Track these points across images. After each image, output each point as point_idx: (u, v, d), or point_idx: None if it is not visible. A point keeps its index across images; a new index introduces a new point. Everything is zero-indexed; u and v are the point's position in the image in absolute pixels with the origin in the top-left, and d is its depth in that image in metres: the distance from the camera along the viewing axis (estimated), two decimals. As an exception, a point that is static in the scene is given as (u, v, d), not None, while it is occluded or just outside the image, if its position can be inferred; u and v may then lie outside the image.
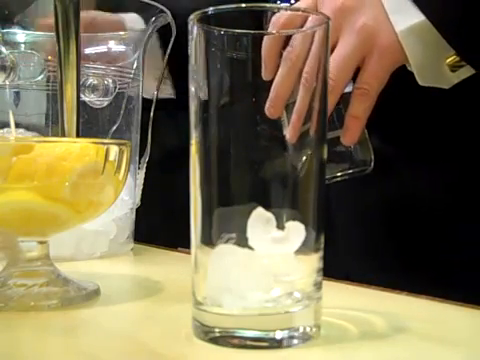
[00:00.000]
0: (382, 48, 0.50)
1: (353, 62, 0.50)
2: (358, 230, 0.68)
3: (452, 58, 0.50)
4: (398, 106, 0.61)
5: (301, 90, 0.34)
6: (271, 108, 0.34)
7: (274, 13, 0.43)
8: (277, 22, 0.41)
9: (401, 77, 0.51)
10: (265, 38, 0.34)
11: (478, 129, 0.62)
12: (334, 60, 0.48)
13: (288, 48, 0.35)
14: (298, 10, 0.37)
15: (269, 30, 0.35)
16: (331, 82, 0.47)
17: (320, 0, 0.51)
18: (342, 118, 0.51)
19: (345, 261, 0.65)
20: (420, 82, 0.52)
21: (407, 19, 0.49)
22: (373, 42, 0.50)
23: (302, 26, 0.35)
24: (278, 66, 0.36)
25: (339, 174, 0.53)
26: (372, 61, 0.50)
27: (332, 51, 0.49)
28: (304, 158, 0.33)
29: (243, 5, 0.33)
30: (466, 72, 0.51)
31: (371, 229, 0.67)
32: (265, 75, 0.34)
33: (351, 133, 0.51)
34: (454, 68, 0.51)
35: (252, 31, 0.33)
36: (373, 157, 0.54)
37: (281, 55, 0.36)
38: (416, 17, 0.49)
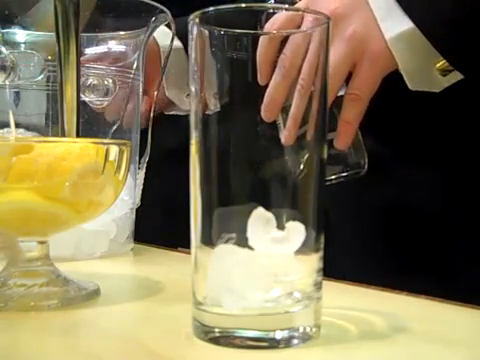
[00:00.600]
0: (373, 55, 0.50)
1: (344, 69, 0.51)
2: (353, 230, 0.68)
3: (442, 63, 0.51)
4: (392, 108, 0.61)
5: (296, 96, 0.34)
6: (266, 112, 0.34)
7: (274, 13, 0.43)
8: (271, 28, 0.42)
9: (395, 79, 0.52)
10: (260, 43, 0.34)
11: (471, 131, 0.62)
12: None
13: (283, 52, 0.35)
14: (298, 10, 0.37)
15: (261, 42, 0.35)
16: None
17: (310, 6, 0.51)
18: (335, 121, 0.51)
19: (341, 262, 0.65)
20: (410, 87, 0.52)
21: (396, 26, 0.50)
22: (364, 49, 0.50)
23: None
24: (273, 70, 0.37)
25: (334, 177, 0.53)
26: (363, 67, 0.51)
27: None
28: (303, 161, 0.33)
29: (243, 5, 0.33)
30: (456, 76, 0.52)
31: (367, 229, 0.67)
32: (260, 80, 0.34)
33: (344, 137, 0.52)
34: (444, 72, 0.51)
35: (252, 31, 0.33)
36: (367, 160, 0.54)
37: (276, 61, 0.36)
38: (405, 24, 0.50)
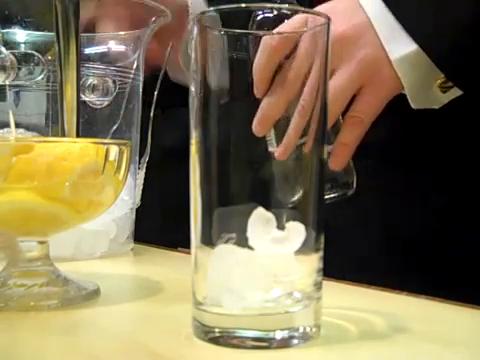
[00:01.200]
0: (381, 78, 0.50)
1: (349, 93, 0.50)
2: (354, 232, 0.68)
3: (441, 80, 0.51)
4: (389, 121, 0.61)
5: (296, 116, 0.34)
6: (258, 126, 0.33)
7: (274, 13, 0.43)
8: (268, 45, 0.41)
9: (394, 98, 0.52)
10: (258, 55, 0.34)
11: (471, 142, 0.63)
12: (329, 92, 0.49)
13: (285, 66, 0.35)
14: (297, 10, 0.37)
15: (257, 57, 0.35)
16: None
17: None
18: (329, 137, 0.51)
19: (342, 262, 0.65)
20: (413, 106, 0.53)
21: (401, 48, 0.50)
22: (372, 72, 0.50)
23: (294, 49, 0.34)
24: (271, 84, 0.36)
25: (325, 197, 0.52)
26: (369, 90, 0.50)
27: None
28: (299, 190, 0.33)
29: (243, 5, 0.33)
30: (456, 92, 0.52)
31: (367, 231, 0.67)
32: (258, 93, 0.34)
33: (339, 159, 0.51)
34: (444, 89, 0.51)
35: (252, 31, 0.33)
36: (355, 179, 0.53)
37: (274, 76, 0.36)
38: (410, 46, 0.50)
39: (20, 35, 0.61)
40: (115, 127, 0.65)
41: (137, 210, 0.69)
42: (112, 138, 0.64)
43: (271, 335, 0.32)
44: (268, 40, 0.40)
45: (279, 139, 0.34)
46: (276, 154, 0.33)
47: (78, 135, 0.49)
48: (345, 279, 0.49)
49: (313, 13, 0.34)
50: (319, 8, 0.51)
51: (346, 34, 0.50)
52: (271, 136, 0.34)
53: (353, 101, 0.51)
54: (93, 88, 0.62)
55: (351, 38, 0.50)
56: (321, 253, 0.34)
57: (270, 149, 0.34)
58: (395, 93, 0.52)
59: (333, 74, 0.49)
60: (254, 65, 0.33)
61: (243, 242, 0.32)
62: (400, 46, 0.50)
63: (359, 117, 0.51)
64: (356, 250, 0.67)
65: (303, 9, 0.35)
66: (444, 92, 0.52)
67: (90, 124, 0.63)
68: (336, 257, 0.63)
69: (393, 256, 0.65)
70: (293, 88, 0.34)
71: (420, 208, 0.64)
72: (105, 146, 0.43)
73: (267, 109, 0.34)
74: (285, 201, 0.33)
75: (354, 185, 0.53)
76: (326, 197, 0.52)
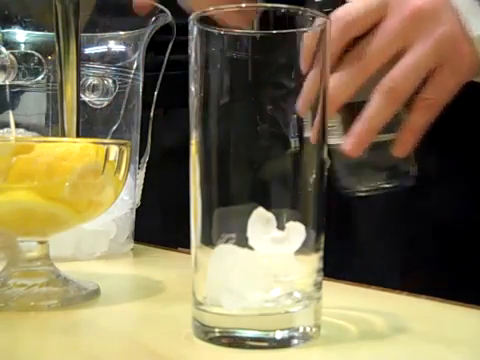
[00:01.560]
0: (459, 57, 0.47)
1: (423, 72, 0.47)
2: (379, 221, 0.67)
3: None
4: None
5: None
6: (303, 107, 0.33)
7: (274, 13, 0.43)
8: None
9: None
10: (306, 35, 0.33)
11: None
12: (401, 69, 0.46)
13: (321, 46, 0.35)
14: (298, 10, 0.37)
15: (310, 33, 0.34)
16: (393, 92, 0.46)
17: (395, 2, 0.47)
18: (391, 125, 0.48)
19: (366, 255, 0.65)
20: None
21: None
22: (449, 51, 0.47)
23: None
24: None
25: (379, 183, 0.48)
26: (445, 72, 0.47)
27: (400, 56, 0.47)
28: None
29: (243, 5, 0.33)
30: None
31: (389, 234, 0.66)
32: (303, 68, 0.33)
33: (405, 146, 0.48)
34: None
35: (252, 31, 0.33)
36: (416, 168, 0.50)
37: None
38: None
39: (20, 35, 0.61)
40: (115, 127, 0.65)
41: (137, 210, 0.69)
42: (112, 138, 0.64)
43: (271, 335, 0.32)
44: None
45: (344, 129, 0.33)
46: (311, 138, 0.33)
47: (78, 135, 0.49)
48: (345, 279, 0.49)
49: (315, 14, 0.35)
50: None
51: (424, 8, 0.47)
52: (308, 119, 0.34)
53: (424, 84, 0.48)
54: (93, 88, 0.62)
55: (428, 13, 0.47)
56: (321, 253, 0.34)
57: (307, 134, 0.33)
58: (471, 76, 0.49)
59: (406, 51, 0.47)
60: (304, 39, 0.33)
61: (243, 242, 0.32)
62: None
63: (432, 99, 0.47)
64: (381, 241, 0.66)
65: (303, 9, 0.35)
66: None
67: (90, 124, 0.63)
68: (361, 250, 0.62)
69: (421, 245, 0.63)
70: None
71: (452, 195, 0.63)
72: (105, 146, 0.43)
73: (309, 88, 0.33)
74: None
75: (415, 174, 0.50)
76: (384, 186, 0.49)
